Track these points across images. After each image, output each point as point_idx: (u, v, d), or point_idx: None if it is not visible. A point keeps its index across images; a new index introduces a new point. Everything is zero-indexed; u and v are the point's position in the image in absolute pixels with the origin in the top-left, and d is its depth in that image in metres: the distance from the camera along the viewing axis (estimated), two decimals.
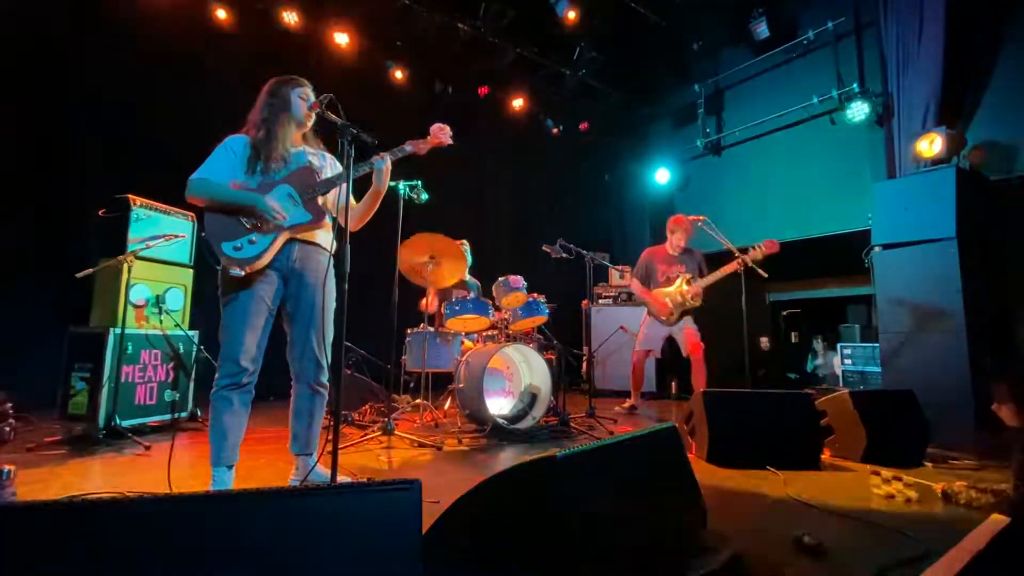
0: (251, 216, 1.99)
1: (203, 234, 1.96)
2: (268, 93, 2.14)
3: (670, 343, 4.54)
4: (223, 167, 2.03)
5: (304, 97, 2.14)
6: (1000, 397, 2.23)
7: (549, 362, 3.69)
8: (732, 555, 1.25)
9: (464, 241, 4.53)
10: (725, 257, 4.16)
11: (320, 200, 2.12)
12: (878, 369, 5.19)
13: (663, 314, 4.32)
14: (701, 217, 4.17)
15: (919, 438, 2.79)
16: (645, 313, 4.53)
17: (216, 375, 1.98)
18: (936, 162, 4.33)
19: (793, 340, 8.30)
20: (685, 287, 4.26)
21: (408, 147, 2.22)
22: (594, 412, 3.93)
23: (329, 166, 2.24)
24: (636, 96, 7.68)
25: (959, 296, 3.90)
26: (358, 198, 2.29)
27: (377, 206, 2.27)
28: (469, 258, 4.60)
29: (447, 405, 4.16)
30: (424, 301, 4.09)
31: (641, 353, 4.52)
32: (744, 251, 3.96)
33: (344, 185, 1.96)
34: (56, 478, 2.29)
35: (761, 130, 6.43)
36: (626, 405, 4.52)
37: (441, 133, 2.26)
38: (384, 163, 2.16)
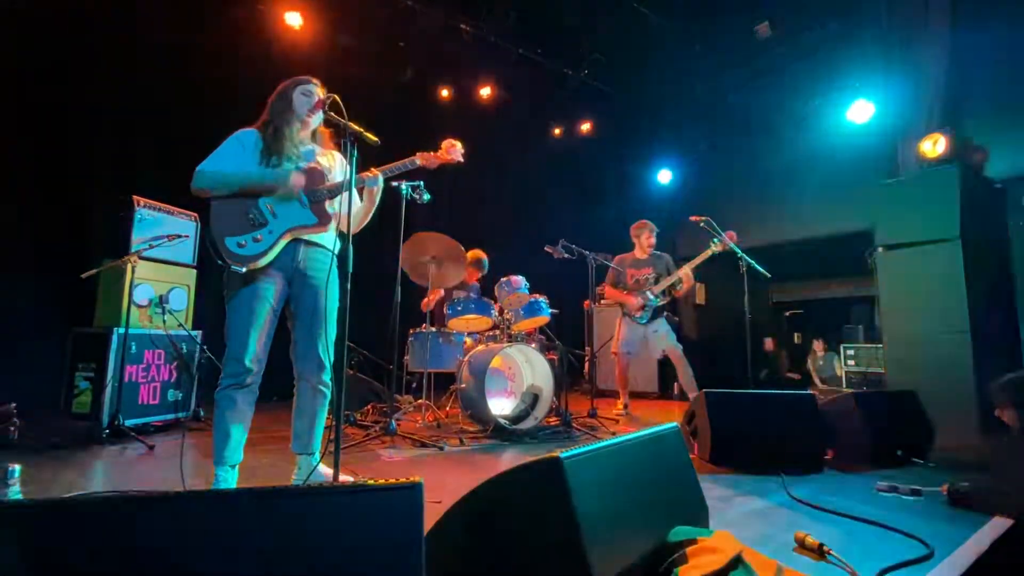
0: (266, 192, 1.99)
1: (208, 227, 1.96)
2: (274, 96, 2.16)
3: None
4: (231, 159, 2.03)
5: (307, 93, 2.14)
6: (1000, 401, 2.23)
7: (551, 362, 3.69)
8: (734, 556, 1.24)
9: (480, 254, 4.59)
10: (725, 257, 4.15)
11: (327, 203, 2.12)
12: (881, 370, 5.18)
13: (636, 311, 4.42)
14: (703, 217, 4.17)
15: (923, 439, 2.78)
16: (620, 316, 4.61)
17: (220, 374, 1.98)
18: (939, 162, 4.31)
19: (796, 341, 8.29)
20: (654, 286, 4.41)
21: (417, 160, 2.23)
22: (596, 413, 3.93)
23: (338, 167, 2.25)
24: (638, 96, 7.67)
25: (963, 297, 3.89)
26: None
27: (373, 210, 2.27)
28: (485, 269, 4.67)
29: (449, 405, 4.16)
30: (425, 301, 4.10)
31: (625, 356, 4.57)
32: (744, 251, 3.96)
33: (347, 188, 1.96)
34: (60, 477, 2.30)
35: (763, 130, 6.42)
36: (619, 408, 4.50)
37: (452, 150, 2.26)
38: (376, 182, 2.17)
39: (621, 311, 4.59)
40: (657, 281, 4.44)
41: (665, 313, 4.52)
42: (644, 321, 4.42)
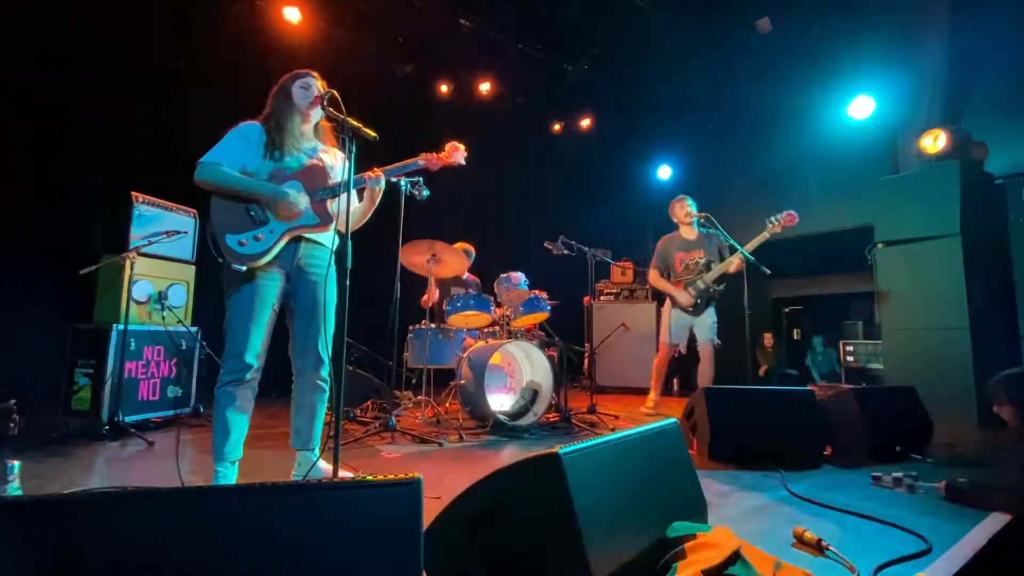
0: (266, 205, 1.98)
1: (208, 222, 1.95)
2: (275, 90, 2.16)
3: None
4: (235, 153, 2.02)
5: (305, 86, 2.12)
6: (998, 398, 2.23)
7: (550, 359, 3.69)
8: (732, 552, 1.25)
9: (467, 245, 4.58)
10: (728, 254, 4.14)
11: (328, 203, 2.11)
12: (880, 366, 5.18)
13: (689, 305, 4.07)
14: (703, 214, 4.15)
15: (921, 434, 2.78)
16: (668, 304, 4.22)
17: (220, 371, 1.98)
18: (940, 158, 4.30)
19: (796, 337, 8.29)
20: (705, 274, 4.03)
21: (420, 161, 2.21)
22: (596, 409, 3.93)
23: (339, 164, 2.23)
24: (638, 92, 7.64)
25: (962, 293, 3.89)
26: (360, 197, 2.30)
27: (374, 208, 2.26)
28: (471, 259, 4.65)
29: (448, 401, 4.16)
30: (425, 297, 4.09)
31: (670, 348, 4.20)
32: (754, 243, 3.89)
33: (346, 184, 1.95)
34: (60, 474, 2.30)
35: (764, 126, 6.41)
36: (650, 405, 4.22)
37: (456, 153, 2.24)
38: (379, 183, 2.15)
39: (670, 300, 4.21)
40: (709, 267, 4.05)
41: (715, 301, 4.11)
42: (696, 312, 4.07)
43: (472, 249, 4.68)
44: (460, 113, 6.45)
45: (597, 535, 1.10)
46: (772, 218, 3.79)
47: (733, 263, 3.92)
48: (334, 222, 2.11)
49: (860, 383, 5.86)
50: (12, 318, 3.85)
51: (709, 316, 4.08)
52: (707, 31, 6.65)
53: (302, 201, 2.03)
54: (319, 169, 2.10)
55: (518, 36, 6.16)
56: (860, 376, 6.00)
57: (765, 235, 3.83)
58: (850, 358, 6.15)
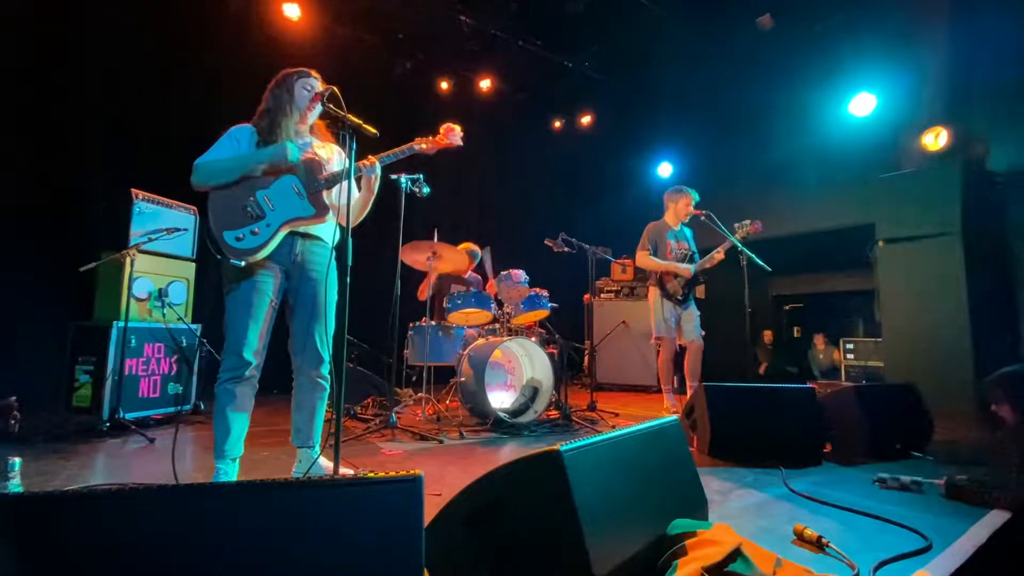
0: (270, 178, 1.99)
1: (206, 220, 1.95)
2: (274, 83, 2.13)
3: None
4: (227, 155, 2.02)
5: (308, 88, 2.11)
6: (996, 397, 2.23)
7: (551, 356, 3.69)
8: (733, 549, 1.25)
9: (472, 246, 4.58)
10: (726, 250, 4.13)
11: (324, 195, 2.10)
12: (880, 363, 5.19)
13: (679, 291, 3.98)
14: (704, 212, 4.15)
15: (921, 432, 2.78)
16: (654, 297, 4.09)
17: (220, 368, 1.98)
18: (941, 156, 4.30)
19: (796, 334, 8.29)
20: (692, 264, 4.00)
21: (416, 146, 2.19)
22: (596, 406, 3.93)
23: (336, 159, 2.23)
24: (639, 89, 7.62)
25: (962, 291, 3.89)
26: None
27: (372, 200, 2.24)
28: (476, 260, 4.66)
29: (449, 399, 4.16)
30: (421, 286, 4.07)
31: (669, 342, 4.04)
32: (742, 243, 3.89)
33: (346, 181, 1.94)
34: (60, 470, 2.30)
35: (765, 123, 6.39)
36: (673, 410, 3.95)
37: (451, 134, 2.22)
38: (374, 171, 2.13)
39: (658, 290, 4.06)
40: (692, 259, 4.00)
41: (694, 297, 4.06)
42: (683, 302, 3.99)
43: (478, 250, 4.68)
44: (460, 110, 6.44)
45: (598, 532, 1.10)
46: (738, 224, 3.86)
47: (715, 258, 3.95)
48: (331, 213, 2.10)
49: (860, 381, 5.87)
50: (13, 315, 3.85)
51: (694, 311, 4.03)
52: (709, 27, 6.63)
53: (294, 152, 2.02)
54: (314, 162, 2.09)
55: (518, 33, 6.14)
56: (860, 374, 6.01)
57: (738, 236, 3.86)
58: (850, 356, 6.16)
